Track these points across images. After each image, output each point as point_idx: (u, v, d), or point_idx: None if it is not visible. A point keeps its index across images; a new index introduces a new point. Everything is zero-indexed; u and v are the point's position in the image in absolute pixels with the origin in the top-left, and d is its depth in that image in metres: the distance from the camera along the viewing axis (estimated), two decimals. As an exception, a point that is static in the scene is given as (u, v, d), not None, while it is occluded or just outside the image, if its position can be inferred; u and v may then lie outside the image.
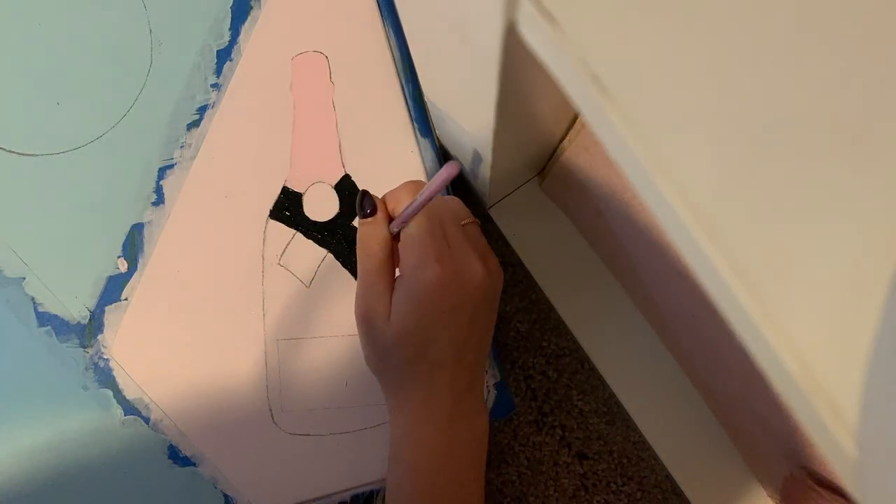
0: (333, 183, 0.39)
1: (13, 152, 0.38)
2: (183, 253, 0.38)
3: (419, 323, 0.30)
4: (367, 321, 0.32)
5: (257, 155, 0.39)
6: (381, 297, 0.32)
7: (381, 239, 0.32)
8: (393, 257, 0.33)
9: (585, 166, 0.34)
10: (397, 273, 0.32)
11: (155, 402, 0.38)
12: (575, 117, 0.33)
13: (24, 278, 0.38)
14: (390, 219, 0.33)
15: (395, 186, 0.33)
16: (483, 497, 0.33)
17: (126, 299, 0.38)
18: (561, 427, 0.41)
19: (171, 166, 0.39)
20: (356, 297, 0.32)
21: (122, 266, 0.38)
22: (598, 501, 0.40)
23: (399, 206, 0.32)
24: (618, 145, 0.15)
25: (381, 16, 0.39)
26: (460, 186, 0.42)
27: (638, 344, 0.41)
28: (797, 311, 0.14)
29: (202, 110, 0.39)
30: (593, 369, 0.41)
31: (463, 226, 0.33)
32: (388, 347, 0.31)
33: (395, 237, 0.33)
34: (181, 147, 0.39)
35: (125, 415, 0.38)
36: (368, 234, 0.33)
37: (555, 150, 0.38)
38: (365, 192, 0.33)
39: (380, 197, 0.33)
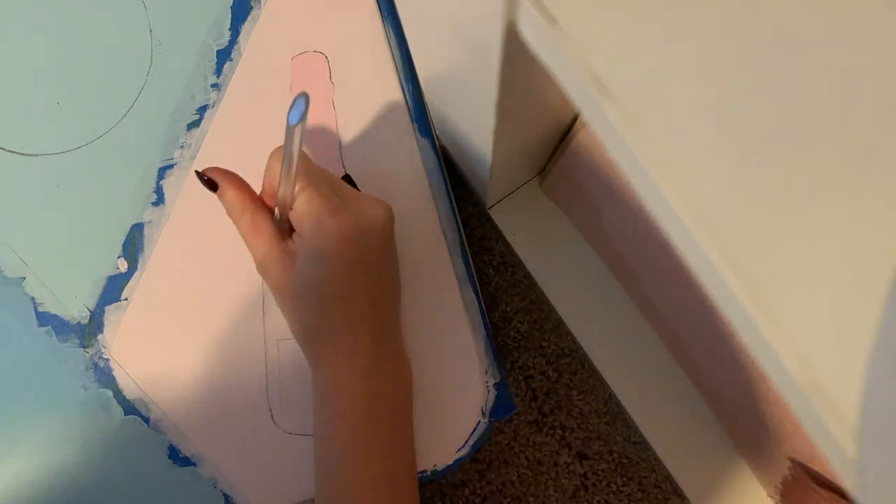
0: (333, 183, 0.39)
1: (13, 152, 0.38)
2: (183, 253, 0.38)
3: (328, 279, 0.30)
4: (267, 277, 0.32)
5: (257, 155, 0.39)
6: (271, 248, 0.32)
7: (242, 200, 0.32)
8: (261, 212, 0.33)
9: (585, 166, 0.34)
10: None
11: (155, 402, 0.38)
12: (575, 117, 0.33)
13: (24, 278, 0.38)
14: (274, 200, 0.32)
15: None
16: (413, 445, 0.33)
17: (126, 299, 0.38)
18: (561, 427, 0.41)
19: (171, 166, 0.39)
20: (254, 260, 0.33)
21: (122, 266, 0.38)
22: (598, 501, 0.40)
23: (276, 181, 0.31)
24: (618, 145, 0.15)
25: (381, 16, 0.39)
26: (460, 186, 0.42)
27: (638, 344, 0.41)
28: (797, 311, 0.14)
29: (202, 110, 0.39)
30: (593, 369, 0.41)
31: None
32: (297, 306, 0.31)
33: (286, 223, 0.32)
34: (181, 147, 0.39)
35: (125, 415, 0.38)
36: (230, 203, 0.33)
37: (555, 150, 0.38)
38: (198, 173, 0.33)
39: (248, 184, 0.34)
